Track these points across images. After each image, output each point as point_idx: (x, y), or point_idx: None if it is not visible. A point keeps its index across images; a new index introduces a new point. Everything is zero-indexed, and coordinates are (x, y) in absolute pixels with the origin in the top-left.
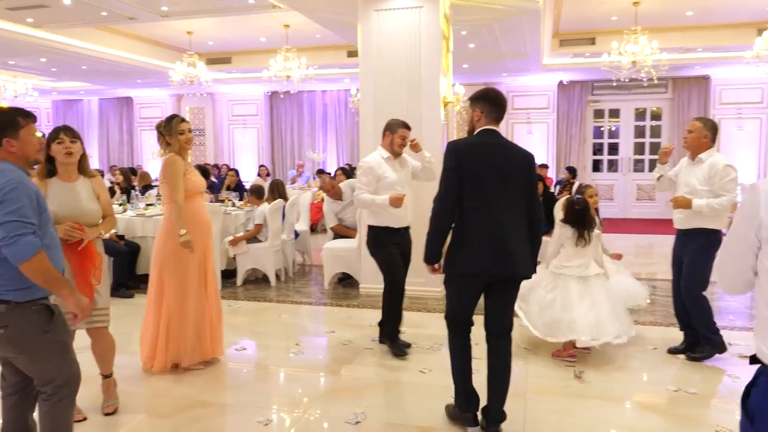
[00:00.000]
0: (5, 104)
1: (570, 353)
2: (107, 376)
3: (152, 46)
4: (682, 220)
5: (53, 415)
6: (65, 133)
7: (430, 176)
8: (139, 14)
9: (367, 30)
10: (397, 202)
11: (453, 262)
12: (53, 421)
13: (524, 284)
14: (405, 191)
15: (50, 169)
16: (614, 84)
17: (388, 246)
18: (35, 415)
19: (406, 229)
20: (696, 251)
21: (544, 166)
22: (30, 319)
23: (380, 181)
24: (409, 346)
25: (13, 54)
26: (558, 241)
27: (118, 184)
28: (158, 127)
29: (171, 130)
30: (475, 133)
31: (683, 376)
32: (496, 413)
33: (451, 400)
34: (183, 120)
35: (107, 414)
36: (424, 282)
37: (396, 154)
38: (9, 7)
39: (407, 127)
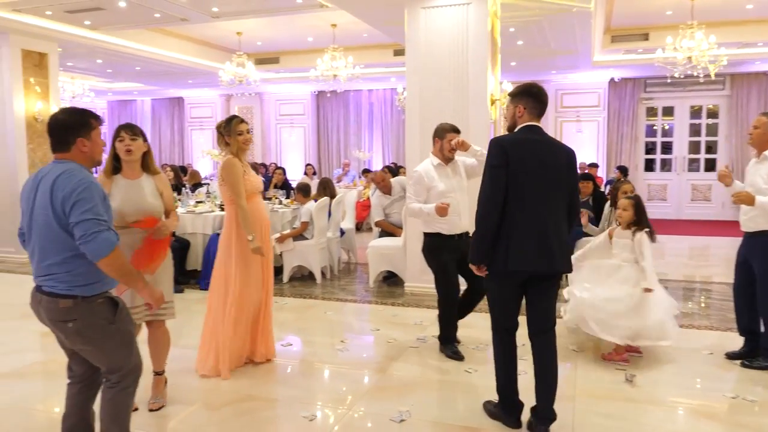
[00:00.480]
0: (64, 105)
1: (623, 357)
2: (158, 374)
3: (203, 46)
4: (747, 222)
5: (116, 402)
6: (125, 131)
7: None
8: (191, 15)
9: (414, 28)
10: (442, 212)
11: (497, 258)
12: (115, 408)
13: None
14: (458, 198)
15: (116, 166)
16: (668, 81)
17: (442, 255)
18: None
19: (461, 235)
20: (764, 257)
21: (594, 165)
22: (96, 312)
23: (430, 191)
24: (462, 358)
25: (71, 56)
26: (651, 252)
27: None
28: (218, 128)
29: (230, 131)
30: (518, 129)
31: (742, 383)
32: (546, 411)
33: (489, 397)
34: (242, 121)
35: (151, 410)
36: None
37: (447, 160)
38: (67, 10)
39: (456, 131)
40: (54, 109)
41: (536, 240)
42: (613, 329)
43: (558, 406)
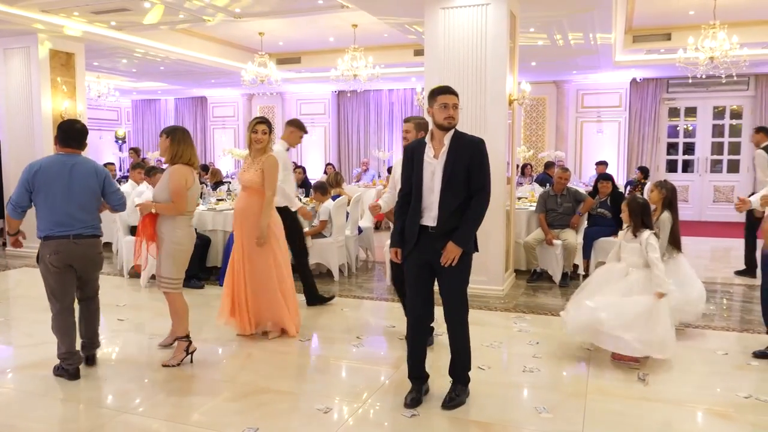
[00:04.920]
0: (87, 103)
1: (633, 357)
2: (177, 339)
3: (225, 47)
4: None
5: (97, 311)
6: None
7: None
8: (214, 15)
9: (433, 28)
10: (372, 210)
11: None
12: (98, 314)
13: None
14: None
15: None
16: (690, 81)
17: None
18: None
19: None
20: None
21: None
22: (100, 246)
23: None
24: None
25: (97, 56)
26: (659, 254)
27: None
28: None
29: (248, 128)
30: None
31: (755, 383)
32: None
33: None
34: (261, 122)
35: (164, 366)
36: (486, 280)
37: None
38: (94, 11)
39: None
40: (80, 108)
41: None
42: (619, 341)
43: (568, 403)
